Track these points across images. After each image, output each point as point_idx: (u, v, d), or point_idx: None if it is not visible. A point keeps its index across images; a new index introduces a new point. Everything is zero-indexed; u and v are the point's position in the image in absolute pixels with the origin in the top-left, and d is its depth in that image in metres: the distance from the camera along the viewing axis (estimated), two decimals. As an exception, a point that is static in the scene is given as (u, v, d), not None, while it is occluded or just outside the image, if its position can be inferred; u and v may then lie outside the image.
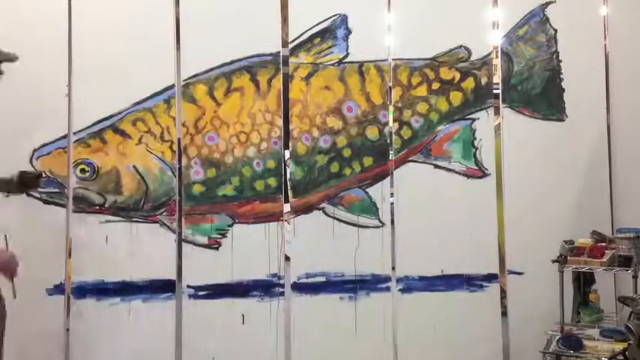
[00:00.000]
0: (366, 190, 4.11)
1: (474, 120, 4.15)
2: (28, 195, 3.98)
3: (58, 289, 3.97)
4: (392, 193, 4.12)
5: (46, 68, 4.02)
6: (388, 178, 4.11)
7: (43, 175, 3.88)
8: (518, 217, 4.00)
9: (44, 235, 3.98)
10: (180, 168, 4.03)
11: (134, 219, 4.05)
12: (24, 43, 4.00)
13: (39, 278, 3.96)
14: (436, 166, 4.14)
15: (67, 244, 3.99)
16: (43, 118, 4.02)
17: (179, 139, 4.05)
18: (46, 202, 4.02)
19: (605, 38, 4.20)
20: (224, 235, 4.07)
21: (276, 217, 4.08)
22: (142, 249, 4.03)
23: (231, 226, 4.07)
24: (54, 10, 4.03)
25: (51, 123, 4.01)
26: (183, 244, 4.04)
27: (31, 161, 4.00)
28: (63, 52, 4.01)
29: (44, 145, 4.02)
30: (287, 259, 4.08)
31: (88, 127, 4.03)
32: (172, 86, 4.05)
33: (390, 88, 4.14)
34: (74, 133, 4.01)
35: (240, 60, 4.08)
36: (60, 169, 4.02)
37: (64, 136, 4.01)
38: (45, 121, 4.01)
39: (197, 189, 4.05)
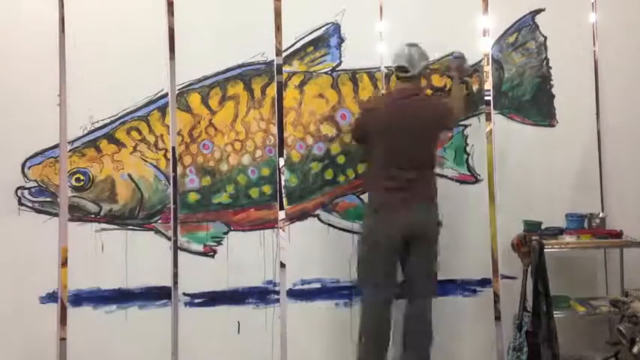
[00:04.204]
0: (360, 196, 4.12)
1: (465, 126, 4.17)
2: (21, 204, 3.99)
3: (52, 297, 3.98)
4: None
5: (39, 77, 4.03)
6: (382, 184, 4.14)
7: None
8: (511, 221, 4.06)
9: (40, 245, 3.99)
10: (175, 176, 4.06)
11: (129, 227, 4.05)
12: (17, 52, 4.04)
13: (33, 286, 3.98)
14: (429, 173, 4.16)
15: (59, 253, 4.00)
16: (36, 126, 4.02)
17: (173, 148, 4.09)
18: (38, 211, 4.01)
19: (594, 45, 4.25)
20: (219, 243, 4.07)
21: (271, 224, 4.09)
22: (138, 257, 4.02)
23: (226, 233, 4.07)
24: (47, 20, 4.05)
25: (44, 132, 4.02)
26: (179, 251, 4.07)
27: (23, 170, 3.99)
28: (56, 61, 4.04)
29: (36, 154, 4.01)
30: (282, 265, 4.13)
31: (83, 136, 4.03)
32: (167, 95, 4.07)
33: (383, 95, 4.17)
34: (69, 142, 4.02)
35: (234, 68, 4.09)
36: (53, 179, 4.02)
37: (56, 146, 4.02)
38: (38, 130, 4.02)
39: (192, 197, 4.06)
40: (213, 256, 4.07)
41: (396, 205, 3.70)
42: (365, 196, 4.10)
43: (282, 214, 4.15)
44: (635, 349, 3.23)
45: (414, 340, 3.75)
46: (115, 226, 4.04)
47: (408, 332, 3.77)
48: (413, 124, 3.74)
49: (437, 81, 4.19)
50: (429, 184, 3.80)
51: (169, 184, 4.07)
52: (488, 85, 4.26)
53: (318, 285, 4.09)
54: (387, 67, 4.15)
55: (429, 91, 4.14)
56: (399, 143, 3.72)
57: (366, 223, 3.86)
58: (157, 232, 4.06)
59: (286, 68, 4.13)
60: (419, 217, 3.71)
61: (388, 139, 3.74)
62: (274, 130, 4.11)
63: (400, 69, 3.83)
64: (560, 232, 3.98)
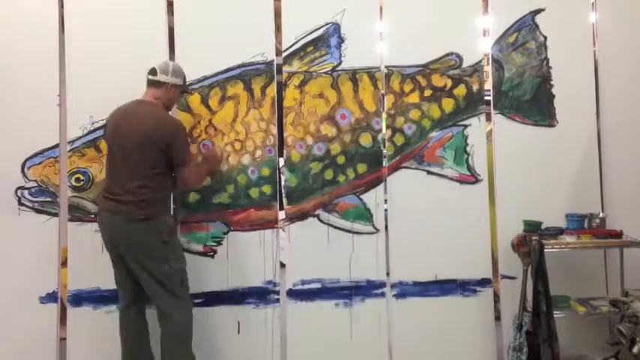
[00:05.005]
0: (360, 196, 4.12)
1: (466, 126, 4.17)
2: (21, 204, 3.99)
3: (52, 297, 3.98)
4: (386, 200, 4.16)
5: (39, 77, 4.03)
6: (382, 184, 4.14)
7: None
8: (511, 221, 4.06)
9: (40, 245, 3.99)
10: (175, 176, 4.05)
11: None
12: (17, 52, 4.04)
13: (33, 286, 3.99)
14: (429, 172, 4.15)
15: (59, 253, 4.01)
16: (36, 126, 4.02)
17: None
18: (38, 211, 4.01)
19: (594, 45, 4.25)
20: (219, 243, 4.07)
21: (271, 224, 4.09)
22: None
23: (226, 233, 4.07)
24: (46, 19, 4.05)
25: (44, 132, 4.02)
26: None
27: (23, 170, 4.00)
28: (56, 61, 4.04)
29: (36, 154, 4.02)
30: (282, 265, 4.13)
31: (83, 136, 4.03)
32: (166, 95, 4.07)
33: (383, 95, 4.18)
34: (69, 142, 4.02)
35: (234, 68, 4.09)
36: (53, 179, 4.02)
37: (56, 146, 4.02)
38: (38, 130, 4.02)
39: (192, 197, 4.06)
40: (213, 256, 4.07)
41: (104, 215, 3.69)
42: (364, 196, 4.11)
43: (282, 214, 4.15)
44: (635, 349, 3.24)
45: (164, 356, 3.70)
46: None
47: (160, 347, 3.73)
48: (132, 131, 3.63)
49: (437, 81, 4.19)
50: (144, 199, 3.60)
51: (169, 184, 4.07)
52: (488, 85, 4.26)
53: (318, 285, 4.09)
54: (386, 67, 4.15)
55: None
56: (114, 150, 3.68)
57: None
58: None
59: (286, 68, 4.12)
60: (122, 233, 3.61)
61: (109, 144, 3.74)
62: (274, 130, 4.11)
63: (150, 72, 3.76)
64: (560, 232, 3.98)
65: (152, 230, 3.63)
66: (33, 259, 3.98)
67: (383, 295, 4.12)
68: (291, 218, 4.11)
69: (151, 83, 3.77)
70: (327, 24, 4.14)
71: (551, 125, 4.22)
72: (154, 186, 3.64)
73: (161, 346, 3.70)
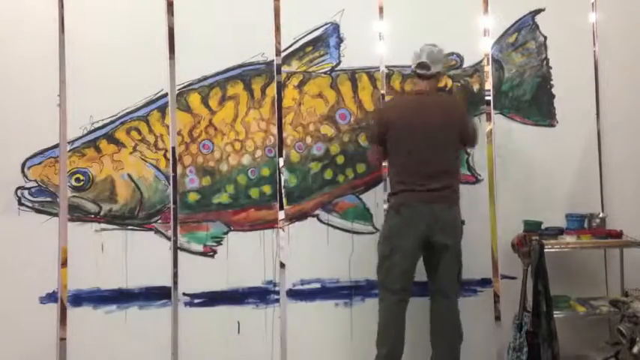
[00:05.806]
0: (360, 196, 4.12)
1: (466, 126, 4.17)
2: (21, 204, 3.99)
3: (52, 297, 3.98)
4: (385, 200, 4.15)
5: (39, 77, 4.04)
6: (381, 184, 4.14)
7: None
8: (511, 221, 4.06)
9: (40, 245, 3.99)
10: (175, 176, 4.07)
11: (129, 227, 4.05)
12: (17, 52, 4.04)
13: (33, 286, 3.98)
14: (429, 172, 4.15)
15: (59, 253, 4.01)
16: (36, 126, 4.02)
17: (173, 148, 4.09)
18: (38, 211, 4.01)
19: (594, 45, 4.25)
20: (219, 243, 4.07)
21: (271, 224, 4.09)
22: (138, 257, 4.02)
23: (226, 233, 4.08)
24: (46, 20, 4.05)
25: (44, 132, 4.02)
26: (179, 251, 4.08)
27: (23, 170, 4.00)
28: (56, 61, 4.04)
29: (36, 154, 4.02)
30: (282, 266, 4.13)
31: (83, 136, 4.03)
32: (166, 95, 4.08)
33: (383, 95, 4.17)
34: (69, 142, 4.03)
35: (234, 68, 4.09)
36: (53, 179, 4.02)
37: (56, 146, 4.02)
38: (38, 130, 4.02)
39: (192, 197, 4.06)
40: (213, 256, 4.07)
41: (417, 207, 3.65)
42: (364, 196, 4.11)
43: (281, 214, 4.15)
44: (635, 349, 3.23)
45: (443, 339, 3.75)
46: (115, 226, 4.05)
47: (436, 332, 3.77)
48: (432, 122, 3.67)
49: (437, 81, 4.19)
50: (454, 183, 3.73)
51: (169, 184, 4.07)
52: (488, 85, 4.26)
53: (318, 285, 4.09)
54: (386, 67, 4.15)
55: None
56: (412, 142, 3.66)
57: (388, 224, 3.76)
58: (157, 232, 4.06)
59: (285, 68, 4.12)
60: (439, 218, 3.64)
61: (402, 138, 3.69)
62: (274, 130, 4.11)
63: (421, 66, 3.74)
64: (560, 232, 3.98)
65: (459, 213, 3.76)
66: (33, 259, 3.98)
67: (383, 295, 4.12)
68: (291, 218, 4.11)
69: (426, 77, 3.76)
70: (326, 24, 4.14)
71: (551, 125, 4.22)
72: (457, 168, 3.82)
73: (439, 324, 3.78)
